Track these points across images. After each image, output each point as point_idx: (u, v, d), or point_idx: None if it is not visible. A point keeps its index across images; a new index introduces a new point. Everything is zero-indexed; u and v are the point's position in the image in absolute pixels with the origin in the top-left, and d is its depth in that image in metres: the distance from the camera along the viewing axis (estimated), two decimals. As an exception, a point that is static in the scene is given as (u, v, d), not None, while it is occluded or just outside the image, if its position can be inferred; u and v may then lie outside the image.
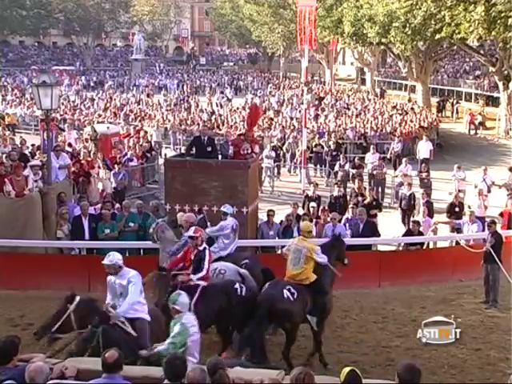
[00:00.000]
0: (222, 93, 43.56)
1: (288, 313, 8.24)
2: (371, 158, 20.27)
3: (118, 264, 7.12)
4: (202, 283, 8.34)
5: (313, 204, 14.09)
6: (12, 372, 5.29)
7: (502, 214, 13.74)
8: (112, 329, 6.76)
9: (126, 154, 19.26)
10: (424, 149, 21.97)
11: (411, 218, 14.46)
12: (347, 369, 5.08)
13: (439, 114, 36.05)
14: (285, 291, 8.26)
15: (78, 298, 6.85)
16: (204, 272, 8.35)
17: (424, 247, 13.16)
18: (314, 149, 22.80)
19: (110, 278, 7.23)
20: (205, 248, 8.49)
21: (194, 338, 6.36)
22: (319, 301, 8.58)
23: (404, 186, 16.89)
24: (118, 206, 13.41)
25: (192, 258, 8.49)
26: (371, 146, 21.72)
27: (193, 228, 8.72)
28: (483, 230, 12.91)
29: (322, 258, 8.77)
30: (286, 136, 24.03)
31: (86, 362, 6.06)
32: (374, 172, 19.11)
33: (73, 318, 6.73)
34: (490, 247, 10.93)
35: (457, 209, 14.40)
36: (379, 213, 14.81)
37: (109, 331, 6.65)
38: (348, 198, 15.15)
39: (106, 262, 7.16)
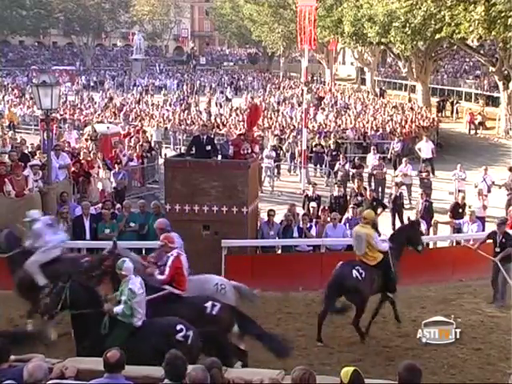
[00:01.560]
0: (221, 93, 43.57)
1: (356, 289, 9.27)
2: (372, 159, 20.21)
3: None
4: (171, 289, 8.05)
5: (313, 204, 14.08)
6: (12, 372, 5.27)
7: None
8: (79, 284, 7.10)
9: (125, 154, 19.26)
10: (426, 149, 21.95)
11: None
12: (350, 369, 5.03)
13: (439, 114, 36.06)
14: (354, 271, 9.29)
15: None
16: (164, 277, 8.10)
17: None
18: (314, 149, 22.78)
19: None
20: (171, 254, 8.28)
21: (139, 300, 7.11)
22: (390, 276, 9.58)
23: (392, 186, 16.93)
24: (118, 206, 13.41)
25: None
26: (372, 147, 21.69)
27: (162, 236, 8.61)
28: (483, 230, 12.93)
29: (380, 243, 9.59)
30: (286, 136, 24.04)
31: (86, 362, 6.05)
32: (374, 172, 19.08)
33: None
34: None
35: (460, 210, 14.36)
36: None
37: (76, 286, 7.02)
38: (348, 197, 15.14)
39: None
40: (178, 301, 8.00)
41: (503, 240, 10.95)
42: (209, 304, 7.83)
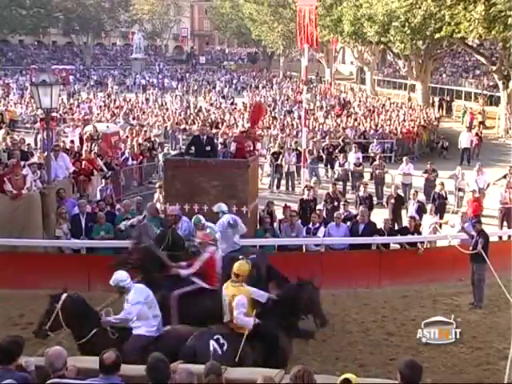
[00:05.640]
0: (221, 92, 43.54)
1: None
2: (354, 158, 20.06)
3: (119, 285, 7.19)
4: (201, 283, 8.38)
5: (319, 207, 14.07)
6: (16, 375, 5.22)
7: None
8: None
9: (123, 154, 19.27)
10: (465, 139, 23.03)
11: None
12: (342, 377, 5.06)
13: (439, 113, 36.05)
14: None
15: (63, 297, 7.07)
16: (191, 270, 8.42)
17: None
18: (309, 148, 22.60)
19: None
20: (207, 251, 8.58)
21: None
22: None
23: (392, 186, 16.92)
24: (118, 206, 13.36)
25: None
26: (353, 145, 21.64)
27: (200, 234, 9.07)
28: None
29: None
30: (285, 135, 24.00)
31: (85, 361, 6.04)
32: (377, 172, 18.93)
33: (60, 316, 7.00)
34: (481, 248, 10.88)
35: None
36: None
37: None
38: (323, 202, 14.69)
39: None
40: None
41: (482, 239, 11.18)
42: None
